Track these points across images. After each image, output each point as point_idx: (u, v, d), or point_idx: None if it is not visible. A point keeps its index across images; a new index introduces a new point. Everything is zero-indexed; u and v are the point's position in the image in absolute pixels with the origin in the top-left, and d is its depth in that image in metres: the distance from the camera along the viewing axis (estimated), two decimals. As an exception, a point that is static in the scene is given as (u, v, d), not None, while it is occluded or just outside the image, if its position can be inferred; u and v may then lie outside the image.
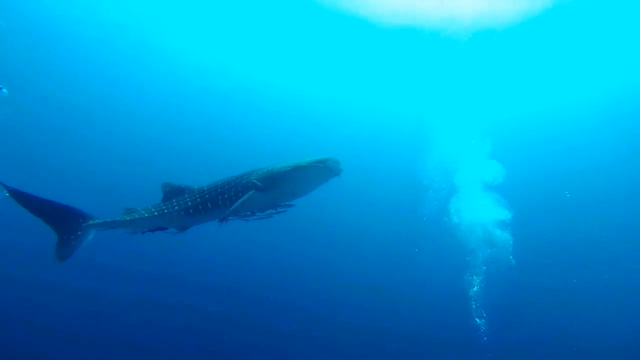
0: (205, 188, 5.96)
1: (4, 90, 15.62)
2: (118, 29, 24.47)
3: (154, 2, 23.03)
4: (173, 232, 6.09)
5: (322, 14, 22.37)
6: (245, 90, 27.50)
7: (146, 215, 6.00)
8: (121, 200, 6.33)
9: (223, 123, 27.83)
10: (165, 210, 5.99)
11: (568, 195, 20.53)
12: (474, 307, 12.96)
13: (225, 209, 5.67)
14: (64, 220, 5.46)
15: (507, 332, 16.14)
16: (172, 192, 6.06)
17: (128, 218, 5.98)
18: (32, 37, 23.89)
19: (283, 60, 26.20)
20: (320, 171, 5.53)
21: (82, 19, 23.67)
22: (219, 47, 25.81)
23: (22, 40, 23.69)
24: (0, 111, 19.16)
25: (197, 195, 5.92)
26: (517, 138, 23.67)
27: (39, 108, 24.93)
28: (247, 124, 27.70)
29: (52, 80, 25.12)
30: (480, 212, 12.62)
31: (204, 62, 26.53)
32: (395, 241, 21.74)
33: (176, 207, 5.95)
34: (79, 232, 5.51)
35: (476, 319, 12.95)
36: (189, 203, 5.90)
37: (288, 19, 23.27)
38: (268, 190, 5.55)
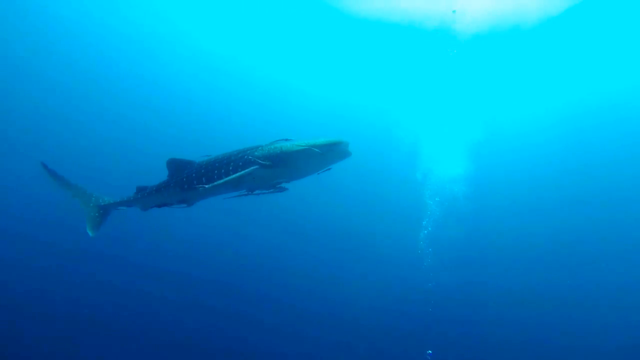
0: (204, 163, 5.92)
1: None
2: (119, 22, 24.73)
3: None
4: (180, 207, 6.13)
5: (310, 10, 22.45)
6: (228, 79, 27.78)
7: (147, 193, 6.29)
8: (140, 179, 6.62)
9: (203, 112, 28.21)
10: (162, 187, 6.14)
11: None
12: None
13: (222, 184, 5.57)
14: (89, 200, 6.64)
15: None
16: (176, 168, 6.09)
17: (129, 197, 6.46)
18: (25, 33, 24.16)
19: (273, 53, 26.37)
20: (334, 152, 5.42)
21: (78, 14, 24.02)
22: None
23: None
24: None
25: (194, 171, 5.90)
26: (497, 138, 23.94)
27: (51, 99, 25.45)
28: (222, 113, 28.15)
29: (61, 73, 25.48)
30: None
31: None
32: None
33: (172, 183, 6.06)
34: (101, 211, 6.63)
35: None
36: (184, 178, 5.92)
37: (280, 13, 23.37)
38: (273, 168, 5.45)
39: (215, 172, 5.69)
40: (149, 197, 6.28)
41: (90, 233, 6.50)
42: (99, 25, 24.78)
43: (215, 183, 5.49)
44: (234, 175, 5.43)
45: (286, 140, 5.63)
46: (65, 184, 6.59)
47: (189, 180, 5.88)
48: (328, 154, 5.41)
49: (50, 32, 24.47)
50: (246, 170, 5.41)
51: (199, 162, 5.99)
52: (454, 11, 19.39)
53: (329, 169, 5.63)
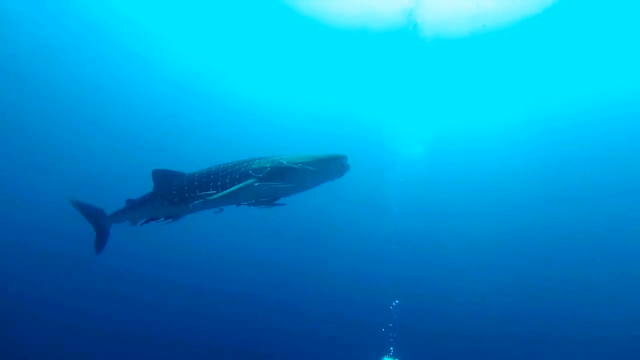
0: (196, 175, 5.53)
1: None
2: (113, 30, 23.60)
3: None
4: (166, 223, 5.71)
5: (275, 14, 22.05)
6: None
7: (135, 206, 5.91)
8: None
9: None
10: (147, 200, 5.73)
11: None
12: None
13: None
14: (93, 218, 6.44)
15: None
16: (163, 179, 5.69)
17: (121, 212, 6.15)
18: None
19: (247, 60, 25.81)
20: (336, 167, 5.25)
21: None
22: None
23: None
24: None
25: (185, 183, 5.51)
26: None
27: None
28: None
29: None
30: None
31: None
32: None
33: (159, 197, 5.63)
34: (102, 228, 6.42)
35: None
36: (174, 191, 5.53)
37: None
38: (270, 181, 5.16)
39: (211, 184, 5.33)
40: (135, 210, 5.89)
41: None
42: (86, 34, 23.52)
43: (213, 197, 5.13)
44: (230, 189, 5.12)
45: (281, 154, 5.41)
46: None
47: (179, 192, 5.48)
48: (326, 169, 5.22)
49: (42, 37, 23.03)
50: (243, 184, 5.11)
51: (190, 174, 5.60)
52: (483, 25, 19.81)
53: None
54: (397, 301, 15.22)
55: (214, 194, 5.13)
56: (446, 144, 24.85)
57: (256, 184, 5.14)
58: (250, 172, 5.21)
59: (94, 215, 6.34)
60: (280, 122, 27.62)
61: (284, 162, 5.21)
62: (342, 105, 26.51)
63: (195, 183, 5.42)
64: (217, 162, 5.68)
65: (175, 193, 5.51)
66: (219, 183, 5.31)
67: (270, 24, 22.47)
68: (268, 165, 5.22)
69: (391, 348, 14.26)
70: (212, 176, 5.41)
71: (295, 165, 5.12)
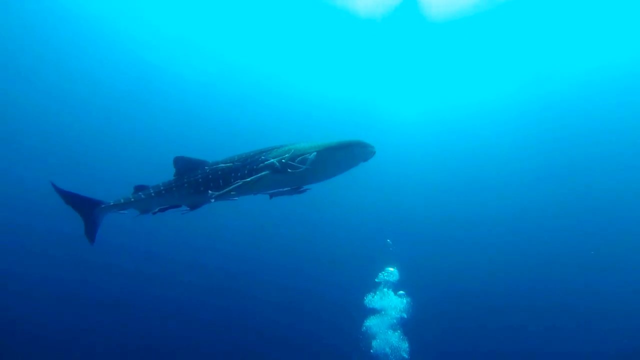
0: (220, 164, 5.44)
1: None
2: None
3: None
4: (183, 212, 5.59)
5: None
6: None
7: (153, 193, 5.67)
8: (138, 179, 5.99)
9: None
10: (174, 188, 5.57)
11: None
12: None
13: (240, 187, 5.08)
14: (82, 207, 5.79)
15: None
16: (184, 167, 5.58)
17: (133, 199, 5.72)
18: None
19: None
20: (357, 153, 5.12)
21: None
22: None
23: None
24: None
25: (209, 172, 5.42)
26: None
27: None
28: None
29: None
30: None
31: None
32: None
33: (186, 185, 5.49)
34: (93, 218, 5.77)
35: None
36: (200, 180, 5.42)
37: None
38: (286, 173, 5.03)
39: (232, 174, 5.29)
40: (156, 198, 5.65)
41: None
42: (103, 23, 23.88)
43: (228, 188, 5.05)
44: (241, 181, 5.05)
45: (298, 142, 5.30)
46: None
47: (205, 181, 5.40)
48: (345, 155, 5.12)
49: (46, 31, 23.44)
50: (258, 175, 5.04)
51: (214, 162, 5.51)
52: None
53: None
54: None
55: (237, 185, 5.04)
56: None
57: (271, 175, 5.06)
58: (266, 162, 5.14)
59: (84, 203, 5.79)
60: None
61: (298, 150, 5.12)
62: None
63: (219, 172, 5.37)
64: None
65: (202, 181, 5.42)
66: (239, 174, 5.26)
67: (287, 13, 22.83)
68: (283, 155, 5.14)
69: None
70: (234, 167, 5.34)
71: (314, 153, 4.99)
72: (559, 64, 24.43)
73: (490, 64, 24.84)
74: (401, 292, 11.83)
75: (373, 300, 11.67)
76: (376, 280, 11.95)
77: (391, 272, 11.95)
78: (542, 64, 24.61)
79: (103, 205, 5.77)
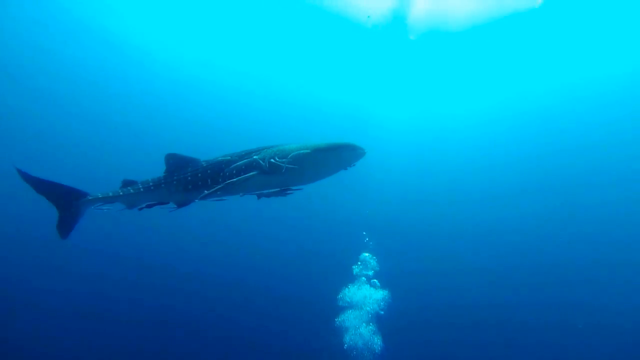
0: (210, 162, 5.43)
1: None
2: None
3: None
4: (170, 210, 5.55)
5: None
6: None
7: (142, 189, 5.61)
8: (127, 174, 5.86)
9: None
10: (163, 185, 5.54)
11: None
12: None
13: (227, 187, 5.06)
14: (60, 197, 5.47)
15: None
16: (175, 165, 5.54)
17: (121, 192, 5.65)
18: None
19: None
20: (344, 155, 5.06)
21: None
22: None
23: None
24: None
25: (199, 170, 5.40)
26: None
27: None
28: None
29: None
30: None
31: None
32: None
33: (174, 182, 5.46)
34: (73, 209, 5.49)
35: None
36: (189, 178, 5.40)
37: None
38: (274, 174, 5.01)
39: (221, 174, 5.28)
40: (144, 193, 5.59)
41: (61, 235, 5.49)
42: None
43: (216, 188, 5.05)
44: (229, 181, 5.03)
45: (287, 143, 5.26)
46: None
47: (193, 180, 5.38)
48: (333, 157, 5.07)
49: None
50: (246, 176, 5.01)
51: (206, 161, 5.49)
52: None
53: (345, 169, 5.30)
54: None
55: (223, 185, 5.01)
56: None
57: (260, 176, 5.03)
58: (254, 162, 5.12)
59: (64, 193, 5.47)
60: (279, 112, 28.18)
61: (294, 149, 5.07)
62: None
63: (208, 171, 5.35)
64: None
65: (190, 180, 5.39)
66: (228, 174, 5.22)
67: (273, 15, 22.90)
68: (271, 155, 5.09)
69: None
70: (223, 166, 5.32)
71: (303, 155, 4.95)
72: (539, 75, 25.42)
73: (478, 74, 25.38)
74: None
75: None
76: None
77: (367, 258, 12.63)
78: (522, 76, 25.54)
79: (90, 197, 5.58)
